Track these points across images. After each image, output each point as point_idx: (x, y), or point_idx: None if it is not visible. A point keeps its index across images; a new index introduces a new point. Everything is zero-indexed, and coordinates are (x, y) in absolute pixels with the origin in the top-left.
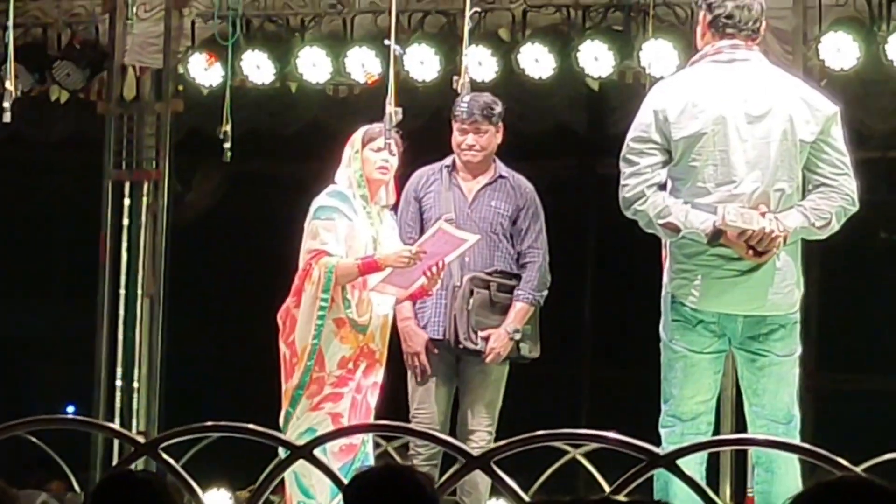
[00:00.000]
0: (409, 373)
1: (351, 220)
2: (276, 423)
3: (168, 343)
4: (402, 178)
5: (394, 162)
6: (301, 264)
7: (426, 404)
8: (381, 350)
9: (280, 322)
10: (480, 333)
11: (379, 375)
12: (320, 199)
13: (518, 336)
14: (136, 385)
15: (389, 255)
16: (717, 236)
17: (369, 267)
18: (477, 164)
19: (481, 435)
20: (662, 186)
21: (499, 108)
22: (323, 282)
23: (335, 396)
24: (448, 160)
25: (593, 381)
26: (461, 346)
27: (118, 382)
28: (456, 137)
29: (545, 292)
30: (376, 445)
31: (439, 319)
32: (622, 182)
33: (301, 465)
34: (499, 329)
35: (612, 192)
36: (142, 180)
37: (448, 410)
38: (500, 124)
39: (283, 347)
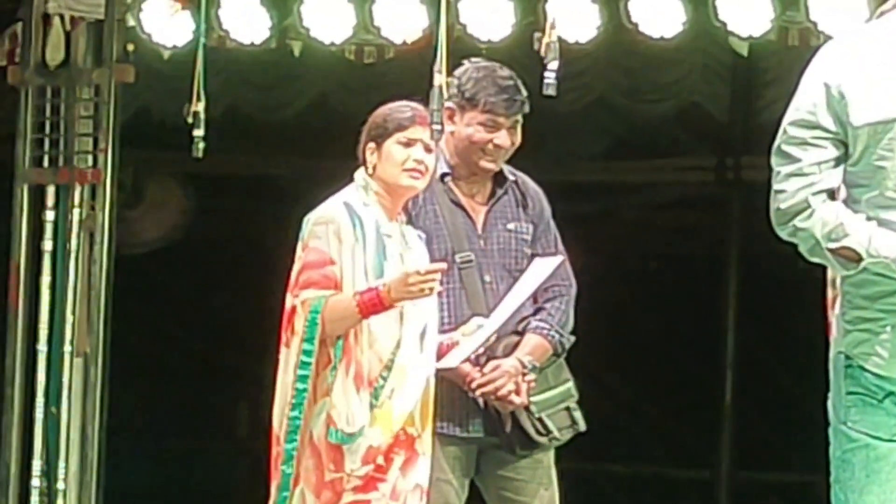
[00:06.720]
0: None
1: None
2: None
3: (108, 423)
4: None
5: (430, 161)
6: (287, 302)
7: None
8: (421, 435)
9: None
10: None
11: (423, 474)
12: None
13: (535, 374)
14: (60, 485)
15: (394, 282)
16: None
17: (373, 304)
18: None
19: None
20: (834, 195)
21: None
22: (304, 327)
23: None
24: (441, 166)
25: (734, 486)
26: (531, 443)
27: (35, 481)
28: (475, 134)
29: (571, 339)
30: None
31: (471, 408)
32: (776, 187)
33: None
34: (505, 360)
35: (764, 205)
36: (72, 183)
37: None
38: None
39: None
